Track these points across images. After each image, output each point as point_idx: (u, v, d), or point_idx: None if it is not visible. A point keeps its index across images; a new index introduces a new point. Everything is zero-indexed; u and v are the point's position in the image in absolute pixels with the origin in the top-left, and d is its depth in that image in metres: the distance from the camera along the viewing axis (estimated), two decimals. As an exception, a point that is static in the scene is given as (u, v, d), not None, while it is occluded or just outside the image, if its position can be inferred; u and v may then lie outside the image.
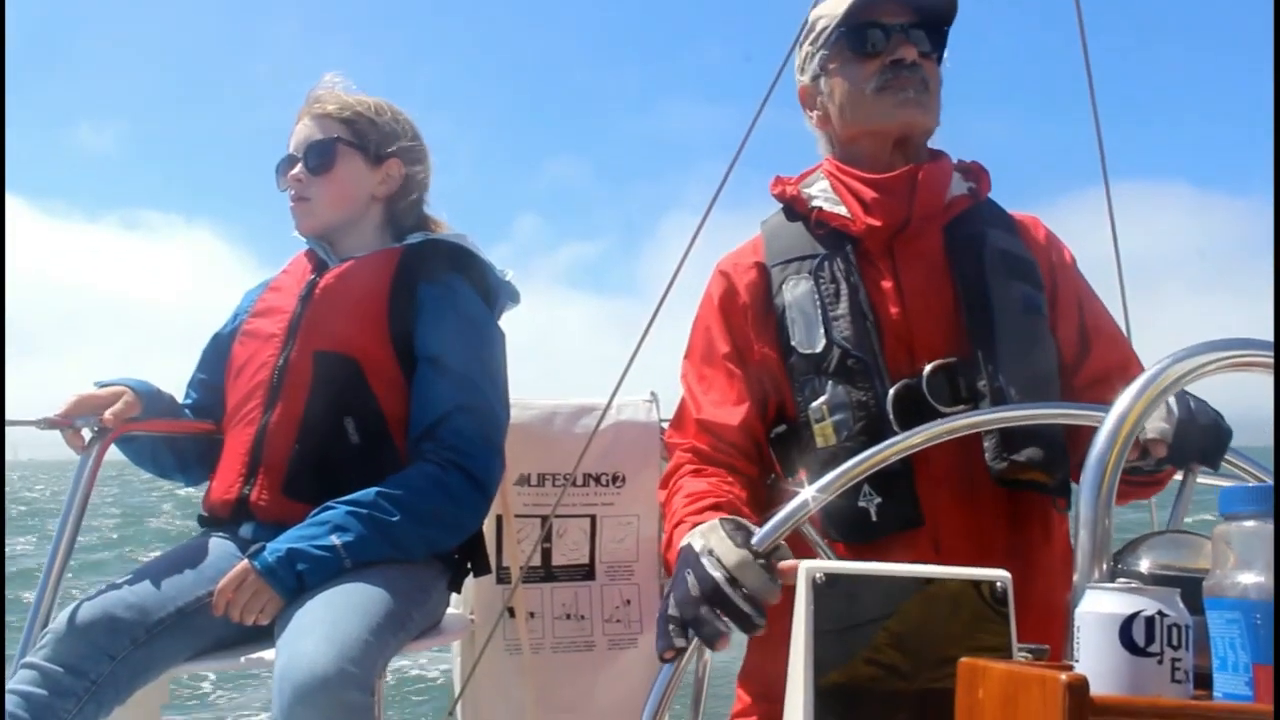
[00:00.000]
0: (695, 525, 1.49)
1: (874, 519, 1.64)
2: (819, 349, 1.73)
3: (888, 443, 1.37)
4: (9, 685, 1.72)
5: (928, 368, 1.69)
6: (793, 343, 1.76)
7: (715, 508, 1.59)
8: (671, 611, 1.36)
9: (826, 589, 1.12)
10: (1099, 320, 1.87)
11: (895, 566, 1.15)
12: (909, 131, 1.82)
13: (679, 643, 1.33)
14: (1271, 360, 1.04)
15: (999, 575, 1.14)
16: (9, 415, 1.94)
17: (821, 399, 1.71)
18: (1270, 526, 0.85)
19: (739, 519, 1.46)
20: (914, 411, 1.65)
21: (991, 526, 1.69)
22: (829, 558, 1.44)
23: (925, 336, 1.73)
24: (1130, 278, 2.17)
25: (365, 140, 2.23)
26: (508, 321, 2.29)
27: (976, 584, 1.13)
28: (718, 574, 1.33)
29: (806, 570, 1.13)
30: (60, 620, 1.79)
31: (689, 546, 1.40)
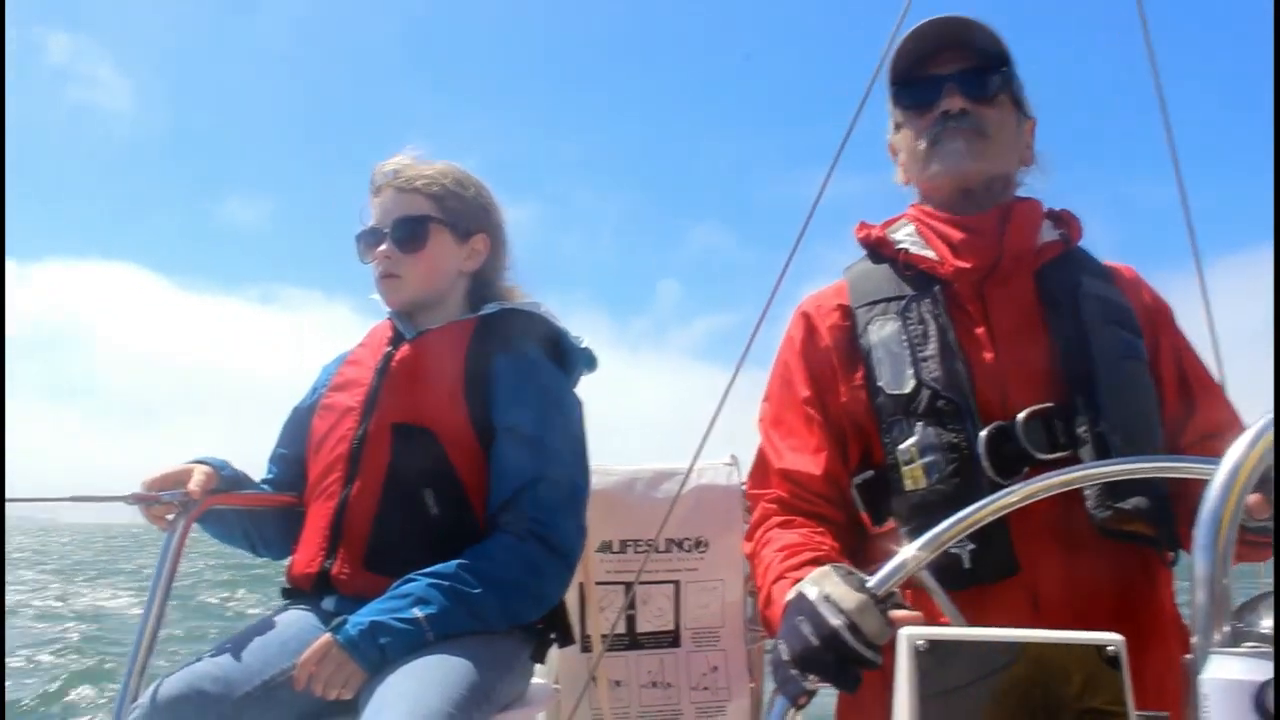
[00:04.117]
0: (796, 580, 1.45)
1: (967, 566, 1.57)
2: (907, 390, 1.68)
3: (1016, 488, 1.30)
4: None
5: (1023, 413, 1.62)
6: (879, 383, 1.71)
7: (814, 562, 1.55)
8: (787, 658, 1.32)
9: (928, 654, 1.08)
10: (1199, 373, 1.81)
11: (1000, 631, 1.10)
12: (965, 183, 1.78)
13: (810, 686, 1.29)
14: None
15: (1111, 639, 1.08)
16: (99, 492, 1.96)
17: (910, 440, 1.65)
18: None
19: (848, 567, 1.41)
20: (1008, 455, 1.60)
21: (1092, 578, 1.61)
22: (946, 605, 1.37)
23: (1019, 381, 1.67)
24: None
25: (454, 217, 2.23)
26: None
27: (1087, 647, 1.08)
28: (837, 620, 1.28)
29: (907, 637, 1.09)
30: (146, 697, 1.79)
31: (801, 595, 1.36)
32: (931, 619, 1.42)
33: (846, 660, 1.26)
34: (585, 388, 2.27)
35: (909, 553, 1.29)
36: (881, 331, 1.74)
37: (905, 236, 1.83)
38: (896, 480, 1.66)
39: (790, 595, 1.40)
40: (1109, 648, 1.07)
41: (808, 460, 1.77)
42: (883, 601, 1.29)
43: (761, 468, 1.86)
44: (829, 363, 1.80)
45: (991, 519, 1.28)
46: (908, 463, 1.65)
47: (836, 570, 1.37)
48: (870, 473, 1.73)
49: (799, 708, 1.29)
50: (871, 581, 1.31)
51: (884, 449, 1.70)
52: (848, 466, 1.77)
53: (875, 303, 1.78)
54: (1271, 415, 1.01)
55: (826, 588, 1.34)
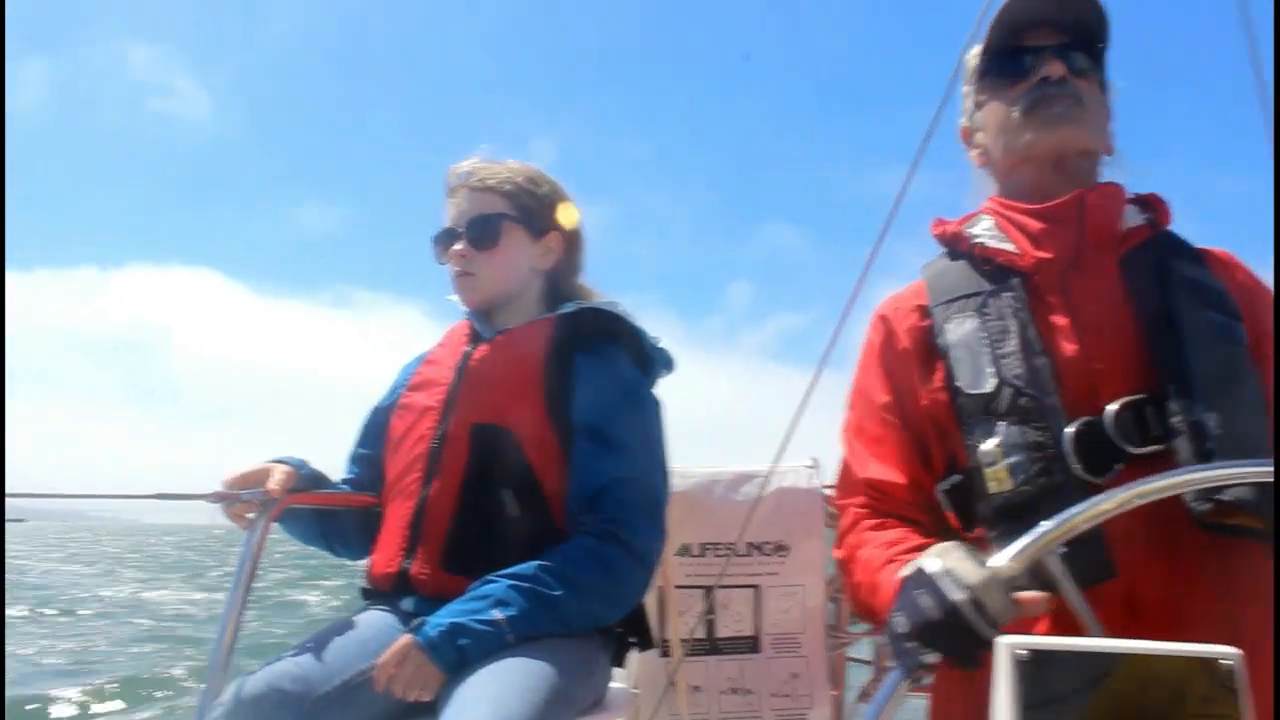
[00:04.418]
0: (907, 562, 1.41)
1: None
2: (988, 388, 1.60)
3: (1129, 487, 1.25)
4: None
5: (1112, 405, 1.54)
6: (959, 383, 1.63)
7: (922, 549, 1.50)
8: (902, 631, 1.28)
9: (1030, 665, 1.04)
10: None
11: (1106, 641, 1.06)
12: (1063, 150, 1.70)
13: (929, 659, 1.24)
14: None
15: (1227, 652, 1.02)
16: (182, 489, 1.97)
17: (993, 441, 1.57)
18: None
19: (970, 546, 1.36)
20: (1097, 452, 1.52)
21: (1193, 579, 1.52)
22: (1073, 596, 1.31)
23: (1107, 372, 1.58)
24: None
25: (528, 214, 2.23)
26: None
27: (1200, 660, 1.02)
28: (960, 595, 1.24)
29: (1007, 646, 1.05)
30: (229, 694, 1.79)
31: (920, 569, 1.31)
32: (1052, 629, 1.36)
33: (966, 637, 1.22)
34: (659, 389, 2.25)
35: (1038, 532, 1.24)
36: (959, 329, 1.67)
37: (983, 230, 1.76)
38: (980, 483, 1.60)
39: (906, 570, 1.36)
40: (1224, 660, 1.02)
41: (891, 469, 1.71)
42: (1007, 583, 1.25)
43: (846, 478, 1.81)
44: (908, 366, 1.74)
45: (1102, 520, 1.23)
46: (990, 464, 1.58)
47: (959, 546, 1.32)
48: (956, 477, 1.67)
49: (915, 681, 1.25)
50: (997, 560, 1.26)
51: (967, 452, 1.63)
52: (932, 472, 1.71)
53: (953, 300, 1.71)
54: None
55: (949, 562, 1.29)
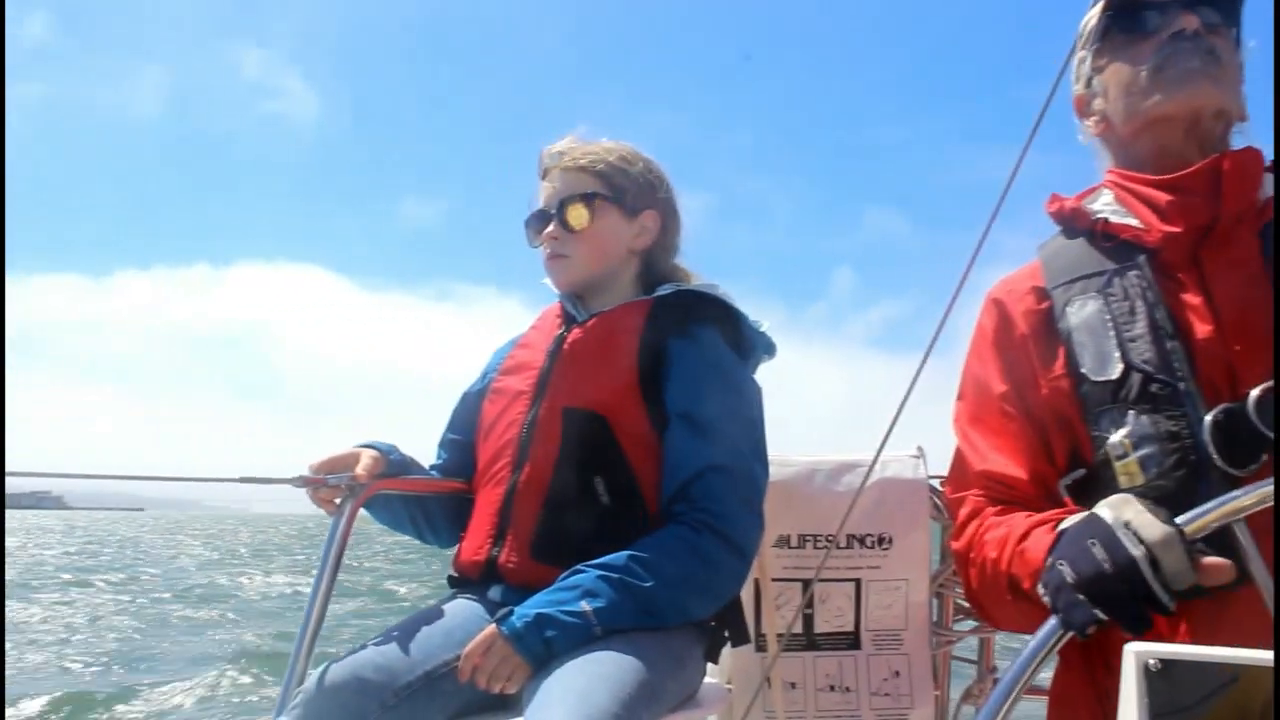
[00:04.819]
0: (1055, 526, 1.31)
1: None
2: (1115, 375, 1.49)
3: None
4: None
5: (1256, 390, 1.40)
6: (1082, 370, 1.53)
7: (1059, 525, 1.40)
8: (1071, 581, 1.19)
9: (1161, 676, 0.96)
10: None
11: (1243, 652, 0.97)
12: (1198, 110, 1.56)
13: (1100, 614, 1.16)
14: None
15: None
16: (268, 474, 1.96)
17: (1122, 432, 1.47)
18: None
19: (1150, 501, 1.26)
20: (1240, 440, 1.39)
21: None
22: (1259, 571, 1.20)
23: (1246, 355, 1.44)
24: None
25: (621, 193, 2.16)
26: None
27: None
28: (1137, 550, 1.15)
29: (1136, 654, 0.97)
30: (311, 680, 1.77)
31: (1096, 517, 1.23)
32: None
33: (1139, 597, 1.14)
34: (760, 377, 2.17)
35: (1234, 496, 1.14)
36: (1082, 312, 1.56)
37: (1103, 206, 1.63)
38: (1109, 478, 1.48)
39: (1071, 521, 1.27)
40: None
41: (1011, 462, 1.60)
42: (1188, 544, 1.15)
43: (960, 470, 1.70)
44: (1026, 352, 1.63)
45: None
46: (1120, 457, 1.47)
47: (1137, 499, 1.22)
48: (1081, 471, 1.55)
49: (1085, 637, 1.17)
50: (1182, 518, 1.16)
51: (1093, 444, 1.52)
52: (1055, 466, 1.60)
53: (1073, 281, 1.60)
54: None
55: (1127, 514, 1.20)
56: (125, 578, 25.22)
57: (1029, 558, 1.42)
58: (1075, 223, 1.67)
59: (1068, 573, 1.21)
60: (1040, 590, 1.28)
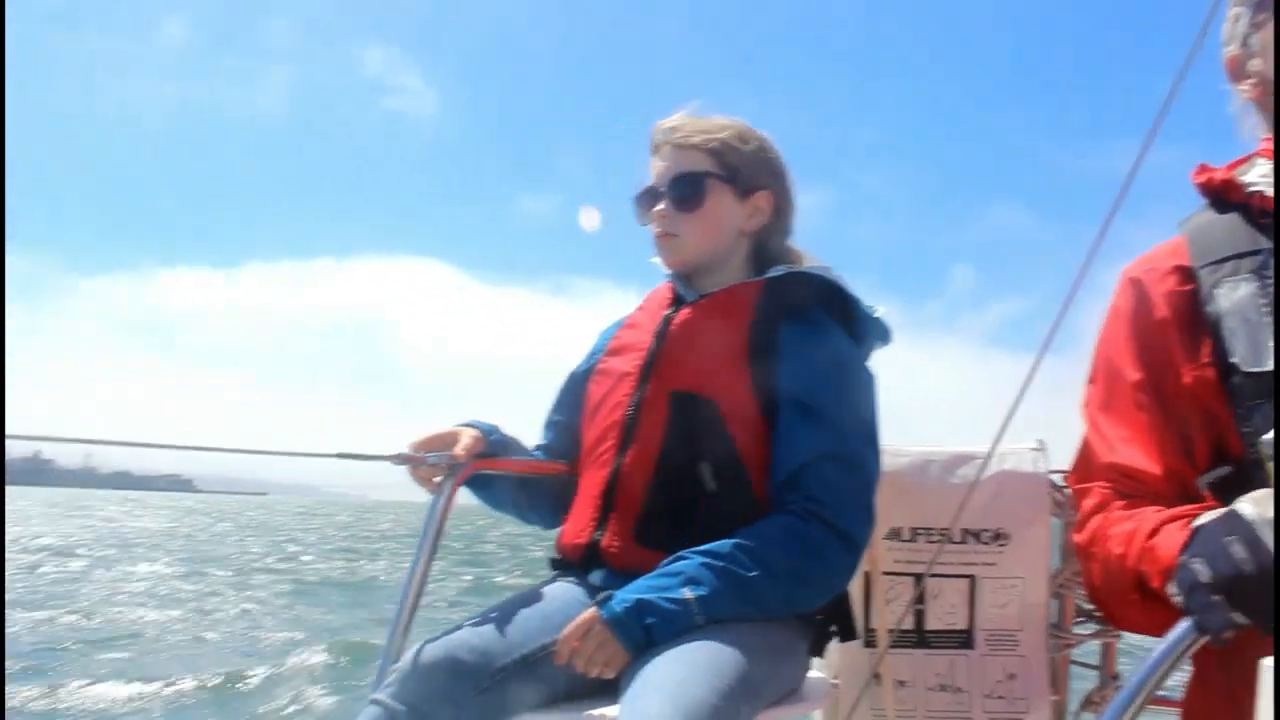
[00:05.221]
0: (1189, 523, 1.23)
1: None
2: (1270, 366, 1.35)
3: None
4: None
5: None
6: (1233, 360, 1.38)
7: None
8: (1207, 581, 1.11)
9: None
10: None
11: None
12: None
13: (1238, 618, 1.08)
14: None
15: None
16: (363, 451, 1.96)
17: None
18: None
19: None
20: None
21: None
22: None
23: None
24: None
25: (734, 173, 2.10)
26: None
27: None
28: None
29: (1268, 666, 0.89)
30: (406, 659, 1.76)
31: (1235, 514, 1.14)
32: None
33: None
34: (874, 361, 2.08)
35: None
36: (1233, 295, 1.40)
37: (1259, 177, 1.47)
38: (1261, 479, 1.35)
39: (1207, 518, 1.18)
40: None
41: (1143, 456, 1.47)
42: None
43: (1088, 461, 1.56)
44: (1166, 337, 1.48)
45: None
46: (1274, 458, 1.35)
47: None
48: (1226, 469, 1.41)
49: (1221, 643, 1.08)
50: None
51: (1243, 440, 1.39)
52: (1193, 462, 1.45)
53: (1223, 260, 1.44)
54: None
55: (1269, 511, 1.11)
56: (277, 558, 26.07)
57: (1159, 554, 1.31)
58: (1226, 195, 1.51)
59: (1204, 572, 1.12)
60: (1172, 590, 1.19)
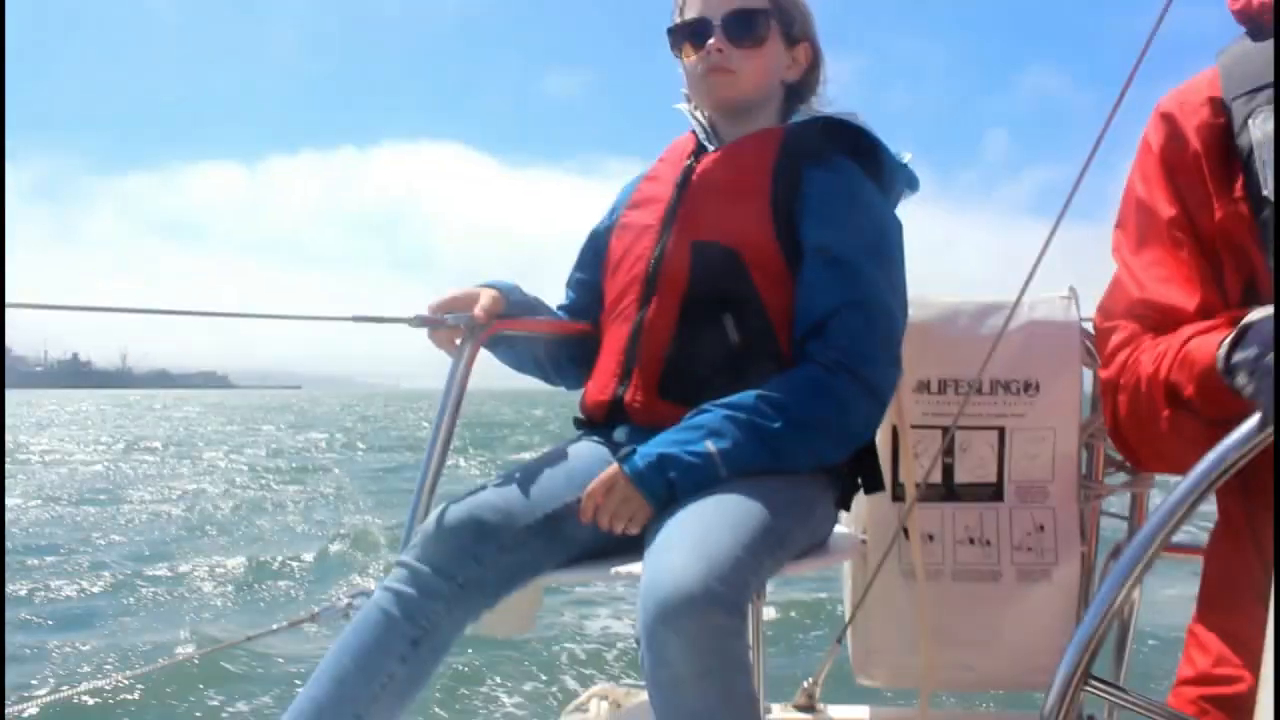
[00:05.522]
0: (1223, 333, 1.18)
1: None
2: None
3: None
4: (385, 582, 1.71)
5: None
6: (1265, 193, 1.31)
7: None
8: (1259, 353, 1.07)
9: None
10: None
11: None
12: None
13: None
14: None
15: None
16: (384, 313, 1.93)
17: None
18: None
19: None
20: None
21: None
22: None
23: None
24: None
25: (788, 19, 2.03)
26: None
27: None
28: None
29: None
30: (429, 521, 1.75)
31: None
32: None
33: None
34: (907, 232, 1.99)
35: None
36: (1266, 126, 1.32)
37: None
38: None
39: (1260, 314, 1.13)
40: None
41: (1177, 292, 1.40)
42: None
43: (1118, 298, 1.50)
44: (1199, 171, 1.40)
45: None
46: None
47: None
48: (1261, 311, 1.37)
49: (1263, 426, 0.98)
50: None
51: (1274, 277, 1.34)
52: (1227, 301, 1.38)
53: (1257, 90, 1.36)
54: None
55: None
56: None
57: (1195, 357, 1.24)
58: (1264, 20, 1.42)
59: (1254, 353, 1.06)
60: (1234, 379, 1.12)
